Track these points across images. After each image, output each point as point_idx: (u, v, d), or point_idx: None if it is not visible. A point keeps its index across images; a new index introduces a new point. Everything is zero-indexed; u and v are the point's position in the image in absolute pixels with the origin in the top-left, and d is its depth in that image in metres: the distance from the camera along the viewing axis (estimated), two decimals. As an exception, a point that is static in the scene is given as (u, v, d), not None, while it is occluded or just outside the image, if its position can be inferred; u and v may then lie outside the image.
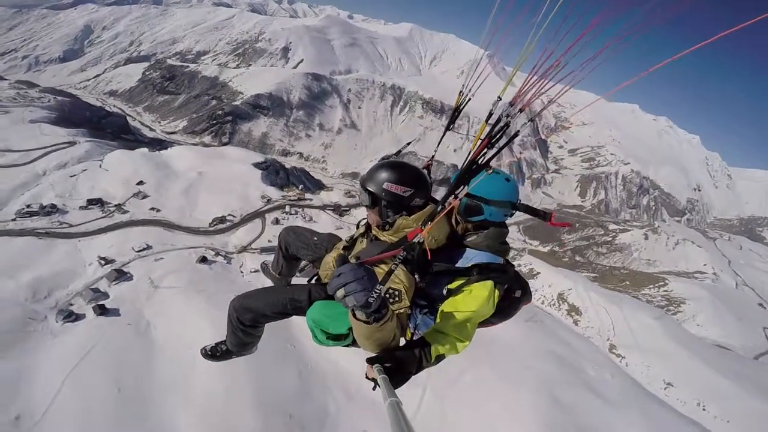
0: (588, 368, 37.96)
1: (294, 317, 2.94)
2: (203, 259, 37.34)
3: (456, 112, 3.29)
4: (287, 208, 60.14)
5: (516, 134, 2.29)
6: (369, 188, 2.70)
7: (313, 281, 3.18)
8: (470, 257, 2.58)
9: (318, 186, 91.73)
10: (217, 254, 40.19)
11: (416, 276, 2.53)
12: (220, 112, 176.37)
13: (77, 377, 22.90)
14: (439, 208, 2.40)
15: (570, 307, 63.59)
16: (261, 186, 65.14)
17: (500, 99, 2.62)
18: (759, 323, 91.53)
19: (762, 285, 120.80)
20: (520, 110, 2.29)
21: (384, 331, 2.01)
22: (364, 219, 3.06)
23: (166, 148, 79.32)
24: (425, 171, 2.97)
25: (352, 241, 3.06)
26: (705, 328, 77.38)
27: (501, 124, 2.30)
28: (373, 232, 2.87)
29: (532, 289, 3.01)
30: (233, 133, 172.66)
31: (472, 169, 2.35)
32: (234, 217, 52.08)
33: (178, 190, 53.74)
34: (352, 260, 2.60)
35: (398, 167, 2.71)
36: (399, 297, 2.36)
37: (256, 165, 74.27)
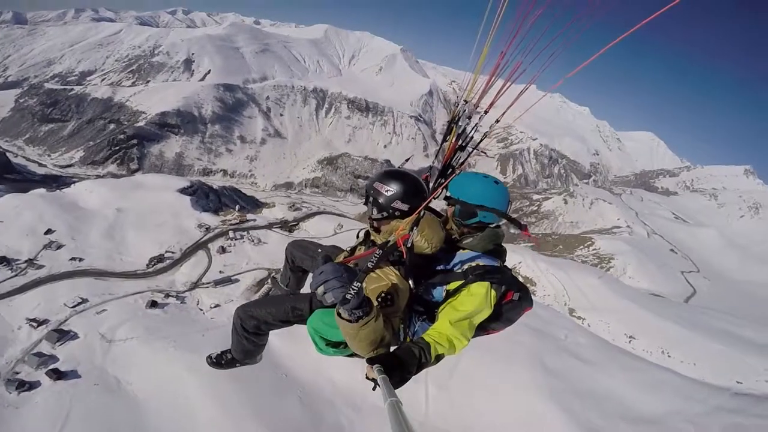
0: (560, 334, 41.07)
1: (296, 326, 3.05)
2: (153, 304, 34.36)
3: (452, 123, 3.26)
4: (231, 234, 55.63)
5: (485, 135, 2.55)
6: (366, 186, 2.92)
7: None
8: (467, 259, 2.63)
9: (254, 204, 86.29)
10: (167, 295, 36.27)
11: (410, 282, 2.60)
12: (121, 136, 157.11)
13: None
14: (422, 209, 2.54)
15: (524, 279, 67.96)
16: (194, 214, 59.33)
17: (466, 102, 2.65)
18: (676, 268, 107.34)
19: (667, 231, 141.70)
20: (485, 111, 2.49)
21: (368, 329, 2.05)
22: (363, 228, 3.18)
23: (67, 185, 69.58)
24: (422, 181, 2.97)
25: (353, 250, 3.12)
26: (636, 279, 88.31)
27: (465, 124, 2.50)
28: (372, 237, 2.95)
29: None
30: (142, 157, 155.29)
31: (447, 171, 2.56)
32: (173, 253, 46.80)
33: (98, 234, 46.65)
34: None
35: (392, 172, 2.87)
36: (392, 301, 2.39)
37: (182, 191, 67.40)
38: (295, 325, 2.97)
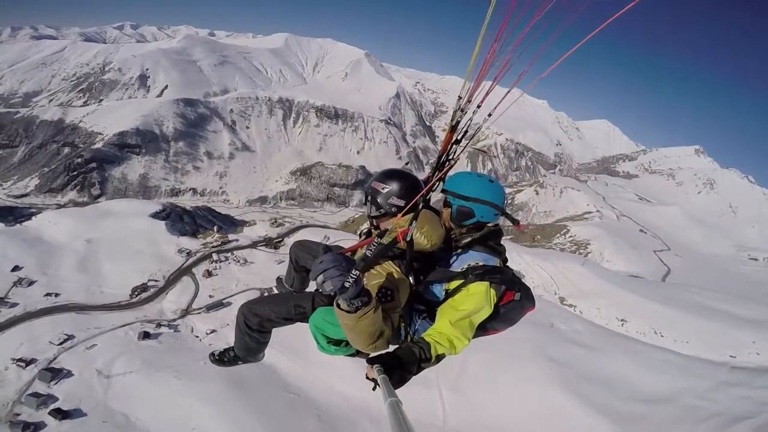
0: (559, 324, 41.81)
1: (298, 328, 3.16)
2: (146, 335, 33.51)
3: (452, 123, 3.11)
4: (214, 257, 53.40)
5: (479, 128, 2.60)
6: (365, 187, 2.98)
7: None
8: (466, 259, 2.62)
9: (231, 222, 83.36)
10: (159, 325, 34.62)
11: (410, 278, 2.60)
12: (78, 160, 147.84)
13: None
14: (421, 203, 2.57)
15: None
16: (171, 239, 56.58)
17: (460, 98, 2.66)
18: (649, 248, 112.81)
19: (634, 212, 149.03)
20: (478, 106, 2.50)
21: (367, 320, 2.04)
22: (365, 227, 3.21)
23: (25, 217, 64.69)
24: (420, 180, 3.00)
25: (353, 255, 3.03)
26: (614, 262, 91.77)
27: (458, 119, 2.57)
28: (373, 234, 2.94)
29: None
30: (103, 182, 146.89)
31: (442, 164, 2.63)
32: (156, 281, 44.46)
33: (71, 267, 43.68)
34: None
35: (390, 171, 2.94)
36: (391, 296, 2.39)
37: (155, 215, 64.12)
38: (297, 323, 2.98)
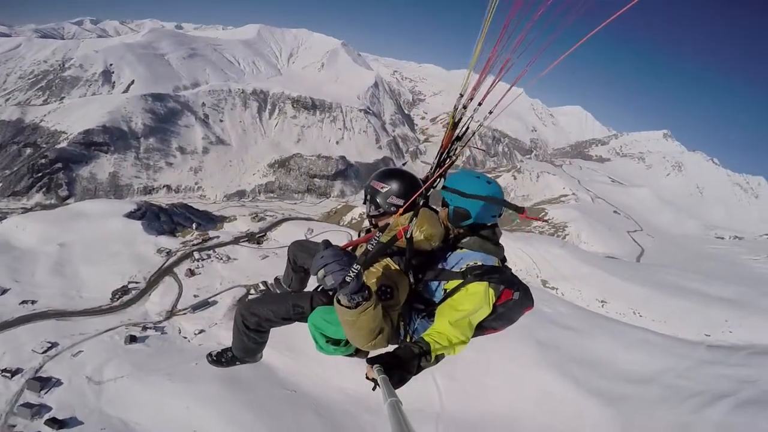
0: (543, 307, 42.87)
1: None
2: (132, 339, 32.81)
3: (453, 121, 3.09)
4: (196, 255, 52.14)
5: (480, 125, 2.58)
6: (365, 186, 3.03)
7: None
8: (464, 258, 2.61)
9: (209, 219, 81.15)
10: (144, 328, 33.67)
11: (410, 277, 2.60)
12: (42, 160, 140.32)
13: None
14: (421, 202, 2.63)
15: (495, 258, 70.31)
16: (149, 239, 54.88)
17: (462, 95, 2.70)
18: (622, 229, 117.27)
19: (608, 194, 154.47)
20: (479, 104, 2.50)
21: (367, 317, 2.05)
22: (365, 227, 3.21)
23: None
24: (419, 179, 3.04)
25: (354, 251, 3.09)
26: (590, 244, 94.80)
27: (460, 116, 2.58)
28: (373, 231, 2.98)
29: None
30: (71, 182, 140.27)
31: (443, 161, 2.61)
32: (137, 282, 43.22)
33: (44, 273, 41.87)
34: None
35: (389, 170, 2.99)
36: (391, 294, 2.41)
37: (130, 215, 61.99)
38: (296, 323, 2.98)
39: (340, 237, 60.22)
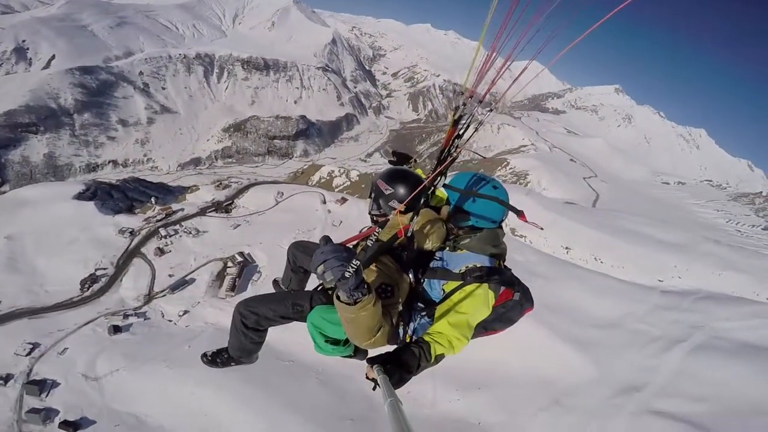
0: (516, 255, 44.53)
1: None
2: (116, 329, 31.20)
3: (454, 118, 2.91)
4: (162, 232, 49.33)
5: (481, 123, 2.53)
6: (371, 182, 2.98)
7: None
8: (465, 260, 2.58)
9: (167, 191, 76.25)
10: (125, 316, 32.00)
11: (410, 276, 2.63)
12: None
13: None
14: (423, 200, 2.60)
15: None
16: (106, 220, 51.06)
17: (463, 93, 2.62)
18: (578, 175, 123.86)
19: (564, 144, 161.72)
20: (480, 101, 2.44)
21: (367, 313, 2.05)
22: (365, 227, 3.21)
23: None
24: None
25: (355, 247, 3.10)
26: (550, 190, 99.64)
27: (462, 111, 2.48)
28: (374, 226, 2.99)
29: None
30: (1, 168, 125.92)
31: (444, 158, 2.53)
32: (105, 269, 40.74)
33: (-4, 269, 37.94)
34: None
35: (394, 172, 2.91)
36: (391, 292, 2.44)
37: (79, 196, 56.95)
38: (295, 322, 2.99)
39: (312, 198, 59.86)
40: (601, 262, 48.22)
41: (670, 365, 25.11)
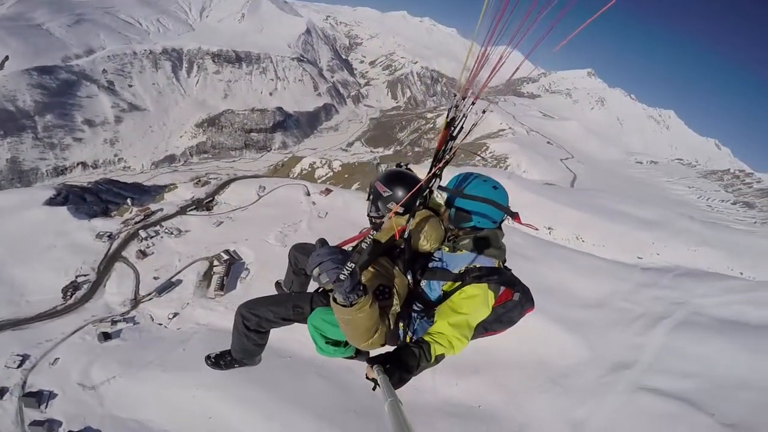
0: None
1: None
2: (106, 336, 30.17)
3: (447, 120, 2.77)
4: (142, 234, 47.86)
5: (475, 124, 2.49)
6: (370, 183, 3.01)
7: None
8: (464, 260, 2.58)
9: (142, 191, 73.42)
10: (114, 322, 31.16)
11: (408, 277, 2.61)
12: None
13: None
14: (418, 202, 2.55)
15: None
16: (82, 224, 48.97)
17: (455, 95, 2.54)
18: (556, 157, 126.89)
19: (541, 127, 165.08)
20: (473, 103, 2.39)
21: (364, 314, 2.08)
22: (363, 228, 3.25)
23: None
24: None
25: (353, 249, 3.13)
26: (530, 172, 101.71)
27: (454, 114, 2.40)
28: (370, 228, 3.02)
29: None
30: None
31: (439, 159, 2.46)
32: (86, 275, 39.34)
33: (-29, 282, 36.17)
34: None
35: (393, 174, 2.94)
36: (388, 294, 2.47)
37: (51, 202, 54.18)
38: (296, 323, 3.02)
39: (295, 190, 58.42)
40: (583, 241, 49.04)
41: (655, 342, 25.48)
